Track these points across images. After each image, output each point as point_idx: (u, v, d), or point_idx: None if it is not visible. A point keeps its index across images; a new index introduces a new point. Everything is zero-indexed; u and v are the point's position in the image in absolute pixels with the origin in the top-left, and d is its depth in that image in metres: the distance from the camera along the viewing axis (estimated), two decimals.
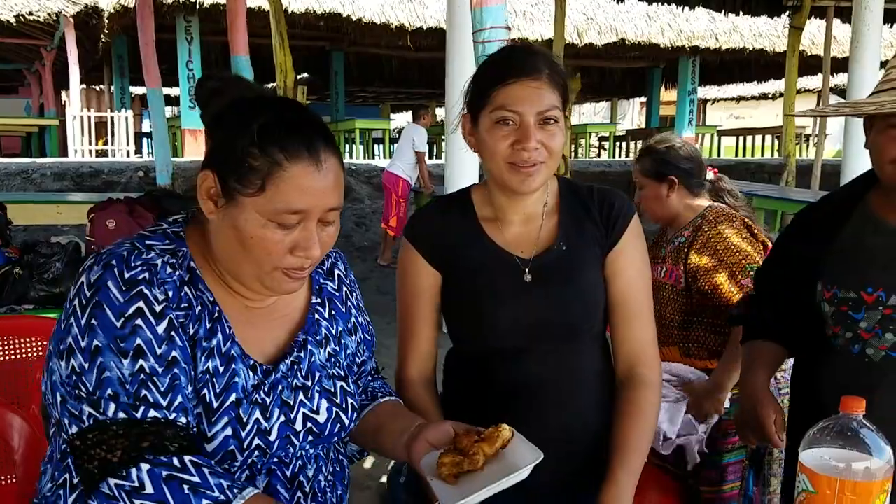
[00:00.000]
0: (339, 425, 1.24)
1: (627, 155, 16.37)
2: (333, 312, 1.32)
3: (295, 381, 1.21)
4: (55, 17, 11.38)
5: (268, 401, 1.16)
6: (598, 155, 18.15)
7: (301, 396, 1.20)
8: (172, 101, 16.24)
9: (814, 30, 12.58)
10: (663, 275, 2.28)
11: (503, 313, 1.42)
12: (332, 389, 1.25)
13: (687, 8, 10.94)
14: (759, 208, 8.18)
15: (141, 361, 1.04)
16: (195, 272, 1.15)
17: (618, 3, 12.17)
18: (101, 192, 7.09)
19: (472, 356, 1.51)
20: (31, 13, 11.39)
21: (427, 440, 1.22)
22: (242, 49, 5.48)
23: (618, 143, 17.01)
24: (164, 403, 1.04)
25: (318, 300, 1.30)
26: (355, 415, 1.29)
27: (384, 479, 3.32)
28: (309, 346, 1.25)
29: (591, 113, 27.60)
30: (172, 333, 1.08)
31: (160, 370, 1.05)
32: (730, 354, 2.10)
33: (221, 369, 1.13)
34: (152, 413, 1.03)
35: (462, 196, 1.53)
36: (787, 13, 10.21)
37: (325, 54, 14.80)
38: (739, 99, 22.21)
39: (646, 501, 1.56)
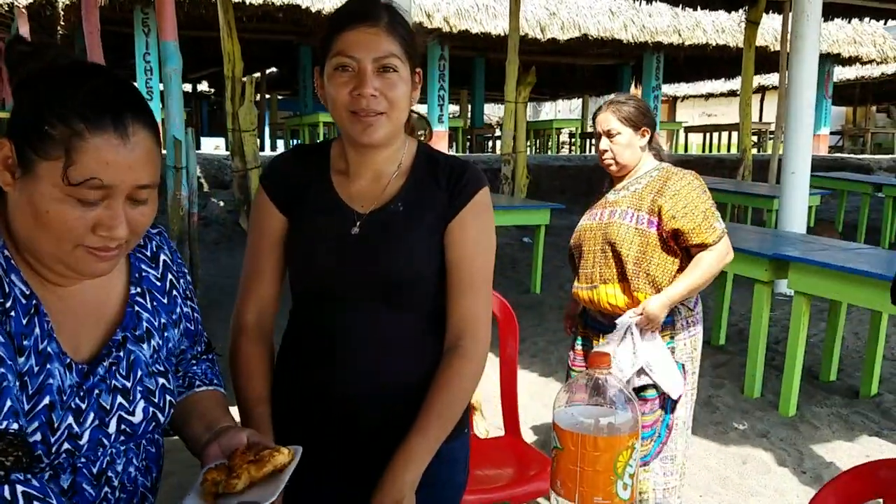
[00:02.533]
0: (153, 423, 1.18)
1: (595, 151, 16.42)
2: (155, 304, 1.23)
3: (114, 382, 1.13)
4: (8, 8, 11.23)
5: (83, 406, 1.08)
6: (570, 151, 18.18)
7: (120, 399, 1.13)
8: None
9: (776, 25, 12.67)
10: (621, 216, 2.53)
11: (325, 261, 1.43)
12: (153, 388, 1.17)
13: (647, 3, 10.94)
14: (719, 202, 8.23)
15: None
16: (9, 261, 1.06)
17: None
18: None
19: (298, 307, 1.52)
20: None
21: (220, 446, 1.19)
22: (171, 34, 5.42)
23: (586, 140, 17.05)
24: None
25: (138, 290, 1.21)
26: (172, 410, 1.22)
27: None
28: (128, 345, 1.16)
29: (566, 110, 27.68)
30: None
31: None
32: (687, 275, 2.51)
33: (36, 369, 1.04)
34: None
35: (321, 147, 1.53)
36: (744, 8, 10.27)
37: (293, 48, 14.74)
38: (709, 96, 22.31)
39: None
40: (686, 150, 17.27)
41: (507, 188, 9.09)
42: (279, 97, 20.29)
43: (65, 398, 1.07)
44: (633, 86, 17.93)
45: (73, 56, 1.13)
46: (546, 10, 12.88)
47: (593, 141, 16.59)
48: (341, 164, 1.49)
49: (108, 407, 1.11)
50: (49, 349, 1.06)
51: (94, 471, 1.13)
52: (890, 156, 15.16)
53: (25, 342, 1.04)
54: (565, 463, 1.14)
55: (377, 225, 1.43)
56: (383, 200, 1.45)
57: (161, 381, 1.19)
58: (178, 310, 1.28)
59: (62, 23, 11.06)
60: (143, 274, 1.24)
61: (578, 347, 2.74)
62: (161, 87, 12.10)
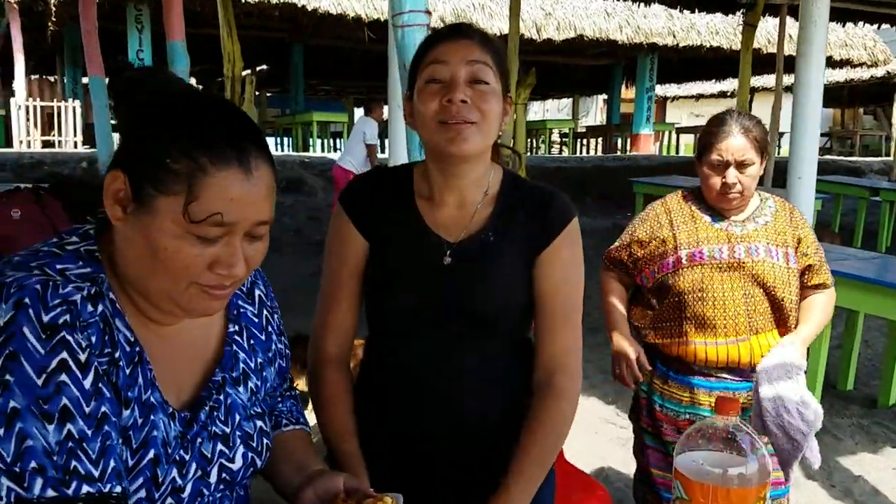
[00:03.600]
0: (252, 469, 1.13)
1: (587, 152, 16.43)
2: (252, 342, 1.17)
3: (214, 428, 1.07)
4: None
5: (186, 457, 1.03)
6: (560, 151, 18.18)
7: (220, 446, 1.07)
8: None
9: (770, 28, 12.72)
10: (767, 253, 2.15)
11: (414, 291, 1.37)
12: (251, 432, 1.12)
13: (644, 5, 10.93)
14: None
15: (69, 426, 0.88)
16: (114, 304, 0.98)
17: None
18: (41, 182, 6.85)
19: (379, 335, 1.46)
20: None
21: (315, 492, 1.14)
22: (179, 35, 5.32)
23: (578, 140, 17.06)
24: (97, 474, 0.89)
25: (236, 328, 1.15)
26: (267, 454, 1.16)
27: None
28: (227, 388, 1.11)
29: (554, 110, 27.70)
30: (100, 385, 0.92)
31: (90, 433, 0.89)
32: (815, 318, 2.21)
33: (140, 421, 0.98)
34: (85, 488, 0.87)
35: (403, 170, 1.48)
36: (742, 10, 10.28)
37: (285, 46, 14.62)
38: (699, 97, 22.41)
39: None
40: (677, 151, 17.32)
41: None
42: (268, 95, 20.15)
43: (170, 451, 1.01)
44: (623, 86, 17.99)
45: (181, 82, 1.07)
46: (542, 11, 12.87)
47: (583, 141, 16.60)
48: (425, 188, 1.43)
49: (209, 455, 1.06)
50: (153, 399, 1.00)
51: None
52: (881, 158, 15.29)
53: (130, 394, 0.97)
54: None
55: (468, 255, 1.38)
56: (472, 229, 1.40)
57: (259, 423, 1.13)
58: (273, 347, 1.22)
59: (53, 19, 10.90)
60: (241, 311, 1.18)
61: (664, 411, 2.26)
62: None
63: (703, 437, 1.12)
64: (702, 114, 24.26)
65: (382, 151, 12.98)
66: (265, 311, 1.21)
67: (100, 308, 0.96)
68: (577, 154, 15.48)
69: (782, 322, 2.16)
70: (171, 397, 1.04)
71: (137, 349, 1.00)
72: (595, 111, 26.00)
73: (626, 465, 3.37)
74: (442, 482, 1.40)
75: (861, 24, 12.28)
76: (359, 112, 23.57)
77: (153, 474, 0.98)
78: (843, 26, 13.28)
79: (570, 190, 11.29)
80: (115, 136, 12.83)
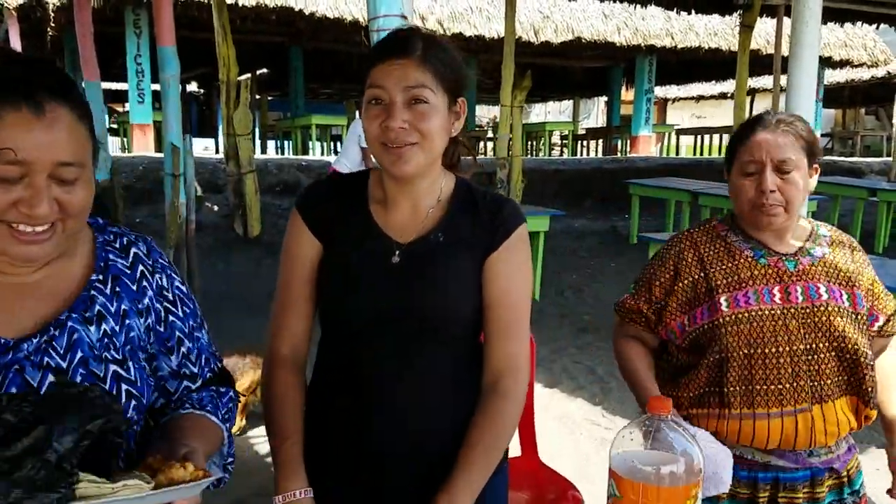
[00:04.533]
0: None
1: (587, 153, 16.43)
2: (119, 290, 1.22)
3: (47, 359, 1.12)
4: None
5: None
6: (561, 153, 18.19)
7: (51, 377, 1.10)
8: (124, 96, 15.97)
9: (770, 28, 12.71)
10: (831, 296, 1.70)
11: (364, 293, 1.40)
12: (100, 374, 1.14)
13: (641, 6, 10.94)
14: (705, 206, 8.23)
15: None
16: None
17: (571, 0, 12.18)
18: None
19: (332, 339, 1.48)
20: None
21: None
22: (169, 40, 5.35)
23: (578, 142, 17.06)
24: None
25: (100, 277, 1.21)
26: (135, 404, 1.18)
27: None
28: (70, 324, 1.15)
29: (556, 112, 27.69)
30: None
31: None
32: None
33: None
34: None
35: (359, 176, 1.52)
36: (738, 11, 10.28)
37: (284, 50, 14.66)
38: (699, 98, 22.39)
39: None
40: (677, 152, 17.31)
41: (502, 193, 9.06)
42: (268, 98, 20.18)
43: None
44: (623, 88, 17.98)
45: None
46: (540, 14, 12.87)
47: (583, 144, 16.57)
48: (379, 193, 1.46)
49: (33, 383, 1.09)
50: None
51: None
52: (881, 159, 15.25)
53: None
54: None
55: (417, 255, 1.40)
56: (423, 231, 1.43)
57: (114, 368, 1.16)
58: (147, 302, 1.24)
59: (52, 24, 10.94)
60: (111, 263, 1.23)
61: None
62: (153, 89, 12.01)
63: (637, 435, 1.14)
64: (703, 115, 24.25)
65: None
66: (142, 267, 1.25)
67: None
68: (577, 156, 15.48)
69: (855, 386, 1.69)
70: (4, 331, 1.11)
71: None
72: (596, 113, 26.00)
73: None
74: (391, 488, 1.41)
75: (860, 24, 12.26)
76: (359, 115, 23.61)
77: None
78: (843, 27, 13.26)
79: (567, 192, 11.27)
80: (113, 140, 12.86)
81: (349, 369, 1.42)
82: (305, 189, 1.53)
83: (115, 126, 14.88)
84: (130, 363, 1.19)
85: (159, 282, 1.27)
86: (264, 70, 16.46)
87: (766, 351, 1.65)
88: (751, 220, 1.71)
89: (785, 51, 10.22)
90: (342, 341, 1.44)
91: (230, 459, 1.33)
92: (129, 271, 1.24)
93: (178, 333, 1.28)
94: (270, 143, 17.62)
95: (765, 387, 1.64)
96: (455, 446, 1.38)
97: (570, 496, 2.33)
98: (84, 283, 1.19)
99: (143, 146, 10.82)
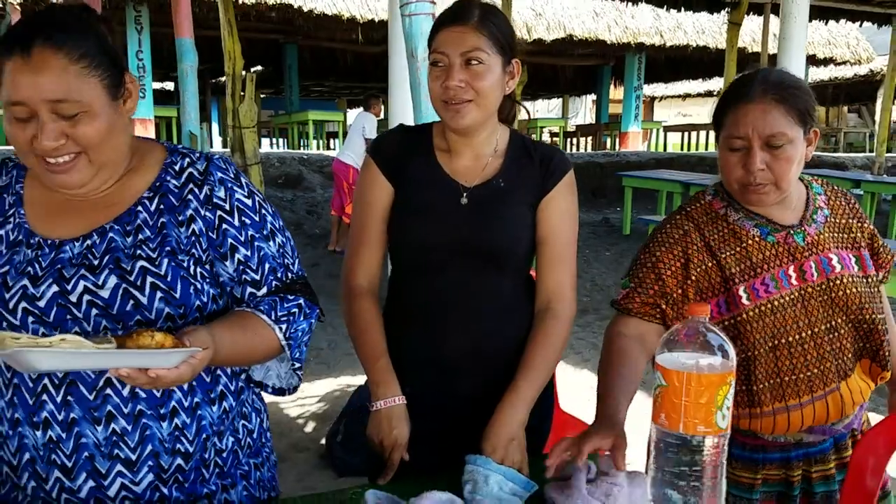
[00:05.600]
0: (131, 302, 1.26)
1: (577, 149, 16.68)
2: (163, 206, 1.34)
3: (83, 261, 1.28)
4: (1, 5, 11.18)
5: (40, 272, 1.26)
6: None
7: (83, 272, 1.26)
8: None
9: (756, 27, 12.98)
10: (843, 265, 1.61)
11: (436, 227, 1.60)
12: (128, 268, 1.27)
13: (632, 4, 11.19)
14: None
15: None
16: (18, 175, 1.36)
17: None
18: None
19: (406, 270, 1.68)
20: None
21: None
22: (187, 31, 5.54)
23: (568, 139, 17.30)
24: None
25: (150, 194, 1.35)
26: (161, 295, 1.27)
27: (323, 440, 3.45)
28: (111, 234, 1.30)
29: (544, 110, 27.90)
30: None
31: None
32: None
33: (4, 251, 1.28)
34: None
35: (424, 128, 1.73)
36: (726, 9, 10.55)
37: (279, 47, 14.76)
38: (685, 96, 22.70)
39: None
40: (665, 148, 17.59)
41: None
42: (261, 96, 20.27)
43: (19, 265, 1.27)
44: (612, 86, 18.23)
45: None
46: (532, 11, 13.08)
47: (574, 140, 16.69)
48: (443, 143, 1.67)
49: (67, 276, 1.26)
50: (20, 237, 1.30)
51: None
52: (863, 154, 15.58)
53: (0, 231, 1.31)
54: (670, 397, 1.32)
55: (482, 197, 1.62)
56: (485, 177, 1.64)
57: (142, 263, 1.28)
58: (191, 213, 1.35)
59: None
60: (164, 183, 1.37)
61: (730, 499, 1.60)
62: (155, 85, 12.09)
63: (679, 337, 1.37)
64: (689, 113, 24.56)
65: None
66: (192, 184, 1.36)
67: (3, 179, 1.35)
68: (568, 151, 15.71)
69: (871, 351, 1.62)
70: (55, 235, 1.30)
71: (16, 199, 1.34)
72: (584, 111, 26.27)
73: None
74: (462, 388, 1.64)
75: (844, 22, 12.57)
76: (352, 112, 23.63)
77: (3, 281, 1.26)
78: (826, 24, 13.56)
79: None
80: None
81: (423, 295, 1.64)
82: (377, 139, 1.74)
83: None
84: (164, 260, 1.29)
85: (210, 193, 1.36)
86: (259, 67, 16.58)
87: (790, 339, 1.57)
88: (741, 198, 1.61)
89: (771, 48, 10.54)
90: (416, 271, 1.65)
91: (297, 365, 1.39)
92: (177, 190, 1.36)
93: (230, 240, 1.36)
94: (265, 141, 17.75)
95: (793, 377, 1.57)
96: (513, 357, 1.61)
97: None
98: (136, 199, 1.35)
99: None
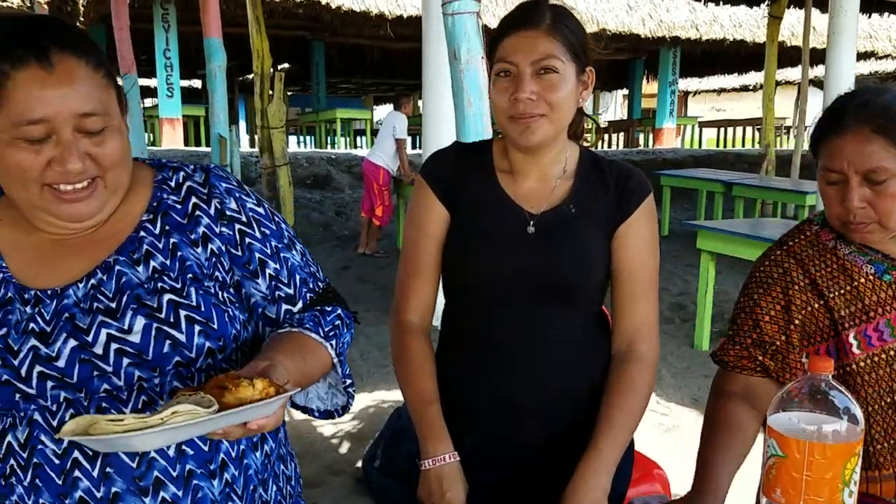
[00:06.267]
0: (169, 342, 1.08)
1: (609, 146, 16.40)
2: (168, 226, 1.17)
3: (95, 304, 1.10)
4: (29, 4, 11.19)
5: (47, 328, 1.07)
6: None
7: (101, 318, 1.08)
8: (152, 91, 16.08)
9: (793, 20, 12.65)
10: None
11: (500, 260, 1.42)
12: (155, 305, 1.10)
13: None
14: (739, 196, 8.21)
15: None
16: None
17: None
18: None
19: (462, 305, 1.50)
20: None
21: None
22: (215, 31, 5.42)
23: (602, 135, 17.03)
24: None
25: (150, 216, 1.17)
26: (199, 329, 1.11)
27: (359, 463, 3.29)
28: (118, 267, 1.12)
29: None
30: None
31: None
32: None
33: None
34: None
35: (482, 146, 1.53)
36: (766, 2, 10.24)
37: (306, 44, 14.71)
38: (720, 91, 22.29)
39: None
40: (700, 145, 17.26)
41: None
42: (287, 93, 20.23)
43: (21, 324, 1.07)
44: (644, 80, 17.93)
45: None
46: (564, 5, 12.85)
47: (605, 136, 16.49)
48: (504, 163, 1.48)
49: (83, 326, 1.08)
50: (9, 294, 1.10)
51: (127, 410, 1.07)
52: None
53: None
54: (788, 471, 1.12)
55: (551, 225, 1.43)
56: (553, 202, 1.45)
57: (169, 296, 1.11)
58: (204, 230, 1.18)
59: (81, 18, 11.01)
60: (162, 201, 1.19)
61: None
62: (182, 84, 12.07)
63: (797, 396, 1.16)
64: (723, 108, 24.14)
65: (414, 147, 13.01)
66: (194, 198, 1.19)
67: None
68: (601, 149, 15.46)
69: None
70: (52, 284, 1.11)
71: None
72: (615, 106, 25.92)
73: (668, 450, 3.40)
74: (526, 444, 1.45)
75: (886, 15, 12.19)
76: (378, 109, 23.51)
77: (5, 345, 1.06)
78: (870, 17, 13.17)
79: None
80: (146, 134, 12.93)
81: (483, 333, 1.45)
82: (429, 158, 1.55)
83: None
84: (191, 290, 1.13)
85: (220, 206, 1.20)
86: (285, 65, 16.53)
87: None
88: (844, 234, 1.41)
89: (813, 42, 10.20)
90: (474, 306, 1.46)
91: (349, 381, 1.27)
92: (179, 206, 1.19)
93: (257, 255, 1.20)
94: (292, 139, 17.71)
95: None
96: (584, 401, 1.42)
97: (655, 474, 2.36)
98: (135, 225, 1.17)
99: (172, 140, 10.89)
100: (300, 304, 1.24)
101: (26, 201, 1.07)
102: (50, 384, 1.06)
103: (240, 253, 1.19)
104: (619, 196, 1.45)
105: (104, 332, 1.08)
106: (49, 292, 1.10)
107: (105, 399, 1.08)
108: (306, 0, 10.97)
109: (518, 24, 1.37)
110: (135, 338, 1.08)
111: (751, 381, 1.46)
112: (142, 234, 1.16)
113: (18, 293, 1.10)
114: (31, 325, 1.08)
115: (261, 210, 1.24)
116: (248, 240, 1.20)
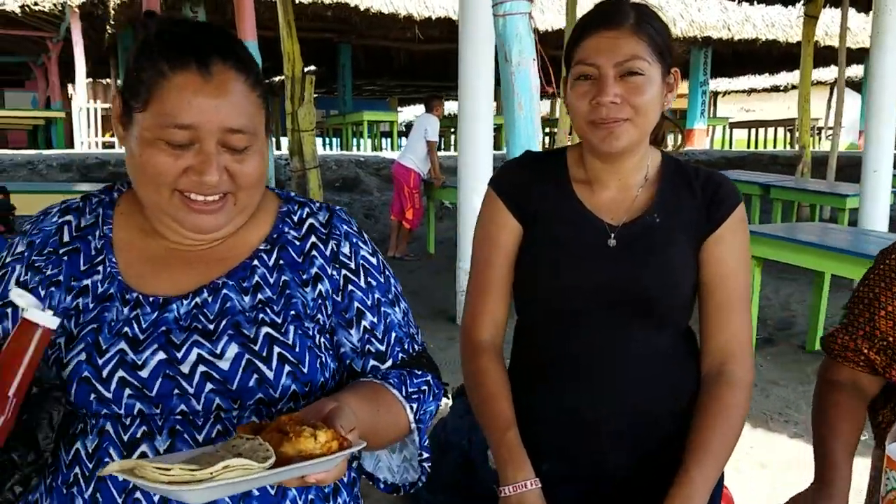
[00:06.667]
0: (255, 377, 1.04)
1: None
2: (282, 261, 1.14)
3: (194, 324, 1.06)
4: (61, 8, 11.29)
5: (140, 335, 1.04)
6: None
7: (196, 337, 1.05)
8: None
9: (827, 20, 12.44)
10: None
11: (579, 271, 1.34)
12: (251, 335, 1.06)
13: None
14: (777, 199, 8.05)
15: None
16: (106, 214, 1.14)
17: None
18: (106, 182, 6.98)
19: (538, 321, 1.42)
20: (36, 3, 11.30)
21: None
22: (251, 34, 5.38)
23: None
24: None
25: (268, 247, 1.15)
26: (289, 370, 1.06)
27: None
28: (225, 290, 1.09)
29: None
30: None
31: None
32: None
33: (91, 305, 1.07)
34: None
35: (556, 155, 1.45)
36: (802, 2, 10.06)
37: (333, 47, 14.71)
38: (751, 91, 22.01)
39: None
40: (730, 146, 17.05)
41: None
42: (314, 96, 20.28)
43: (115, 325, 1.05)
44: None
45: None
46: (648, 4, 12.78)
47: None
48: (581, 173, 1.40)
49: (177, 342, 1.04)
50: (111, 290, 1.08)
51: (200, 437, 1.02)
52: None
53: (74, 283, 1.09)
54: None
55: (633, 237, 1.34)
56: (636, 212, 1.36)
57: (267, 330, 1.06)
58: (317, 271, 1.14)
59: (111, 21, 11.09)
60: (282, 234, 1.17)
61: None
62: None
63: None
64: (752, 108, 23.85)
65: (447, 148, 12.87)
66: (313, 237, 1.16)
67: (83, 221, 1.14)
68: None
69: None
70: (155, 288, 1.09)
71: (104, 246, 1.11)
72: None
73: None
74: (611, 467, 1.37)
75: None
76: (402, 111, 23.49)
77: (94, 341, 1.03)
78: None
79: None
80: None
81: (559, 345, 1.37)
82: (500, 169, 1.47)
83: None
84: (290, 327, 1.09)
85: (336, 249, 1.16)
86: (312, 67, 16.56)
87: None
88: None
89: (849, 42, 10.00)
90: (550, 319, 1.39)
91: (425, 455, 1.15)
92: (298, 242, 1.16)
93: (357, 304, 1.15)
94: (318, 141, 17.69)
95: None
96: (670, 425, 1.34)
97: (722, 494, 2.26)
98: (252, 252, 1.14)
99: None
100: (389, 363, 1.17)
101: (155, 203, 1.06)
102: (128, 392, 1.01)
103: (340, 299, 1.15)
104: (709, 204, 1.36)
105: (195, 351, 1.04)
106: (151, 299, 1.08)
107: (180, 422, 1.02)
108: (335, 2, 10.96)
109: (599, 25, 1.28)
110: (224, 364, 1.04)
111: (856, 373, 1.41)
112: (255, 262, 1.13)
113: (121, 292, 1.08)
114: (126, 328, 1.05)
115: (373, 260, 1.20)
116: (350, 287, 1.16)
